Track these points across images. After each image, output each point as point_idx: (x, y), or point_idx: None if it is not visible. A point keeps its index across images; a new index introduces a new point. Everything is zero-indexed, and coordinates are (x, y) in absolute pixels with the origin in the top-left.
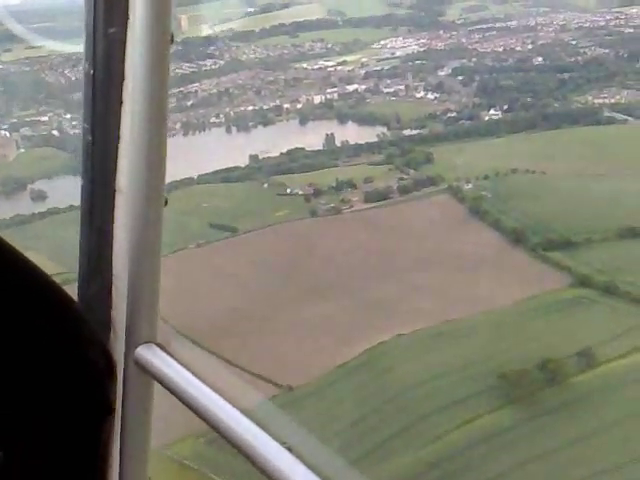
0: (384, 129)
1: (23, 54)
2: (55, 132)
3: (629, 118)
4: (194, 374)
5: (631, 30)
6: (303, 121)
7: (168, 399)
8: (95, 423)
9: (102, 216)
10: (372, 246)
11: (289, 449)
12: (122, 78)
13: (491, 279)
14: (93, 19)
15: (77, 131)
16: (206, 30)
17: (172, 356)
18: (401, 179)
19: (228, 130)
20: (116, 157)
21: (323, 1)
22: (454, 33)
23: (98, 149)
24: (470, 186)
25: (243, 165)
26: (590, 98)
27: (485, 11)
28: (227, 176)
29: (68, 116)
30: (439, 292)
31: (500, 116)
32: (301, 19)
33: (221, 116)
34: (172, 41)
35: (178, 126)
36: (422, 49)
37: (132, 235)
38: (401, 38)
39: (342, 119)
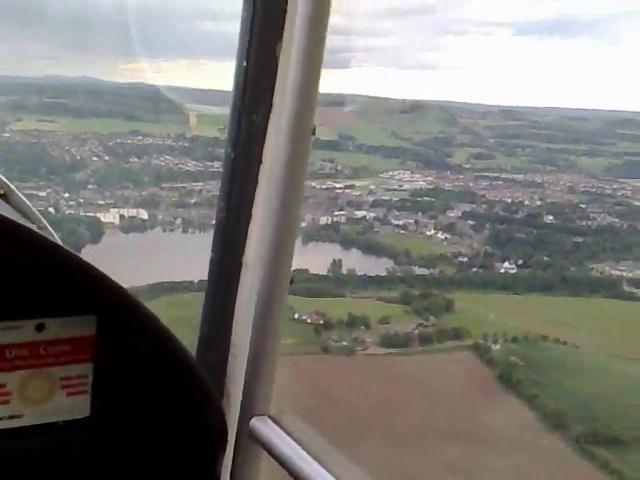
0: (391, 262)
1: (33, 125)
2: (51, 209)
3: None
4: (304, 448)
5: (639, 203)
6: (305, 240)
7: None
8: None
9: (227, 287)
10: (389, 402)
11: None
12: (259, 162)
13: (529, 468)
14: (240, 105)
15: (72, 211)
16: (215, 132)
17: (285, 430)
18: (420, 325)
19: None
20: (246, 235)
21: (332, 125)
22: (461, 176)
23: (230, 226)
24: (498, 347)
25: None
26: (607, 268)
27: (492, 160)
28: None
29: (66, 195)
30: (468, 473)
31: (515, 271)
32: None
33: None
34: (314, 134)
35: (179, 221)
36: (430, 186)
37: (256, 307)
38: (409, 172)
39: (347, 244)
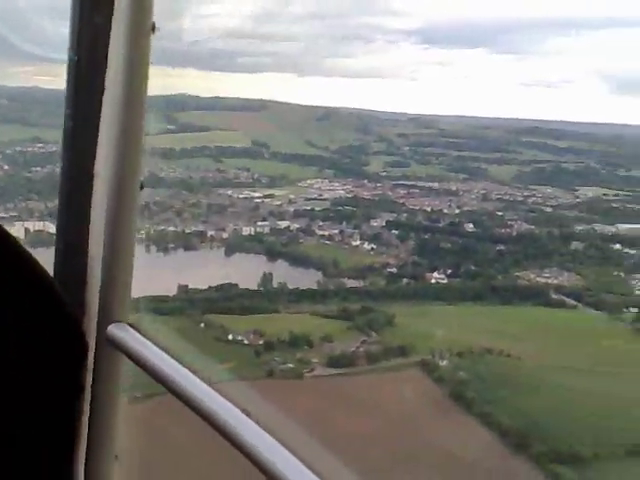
0: (319, 273)
1: None
2: None
3: (578, 304)
4: (164, 350)
5: (550, 209)
6: (229, 251)
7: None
8: (66, 402)
9: (80, 199)
10: (342, 428)
11: (248, 414)
12: (105, 66)
13: None
14: (80, 6)
15: None
16: None
17: (143, 334)
18: (364, 342)
19: (147, 248)
20: (95, 143)
21: (246, 131)
22: (379, 185)
23: (78, 134)
24: (445, 363)
25: (171, 295)
26: (533, 276)
27: (407, 168)
28: (156, 307)
29: None
30: None
31: (446, 281)
32: (225, 145)
33: (141, 232)
34: (153, 31)
35: None
36: (349, 195)
37: (108, 218)
38: (327, 181)
39: (272, 256)
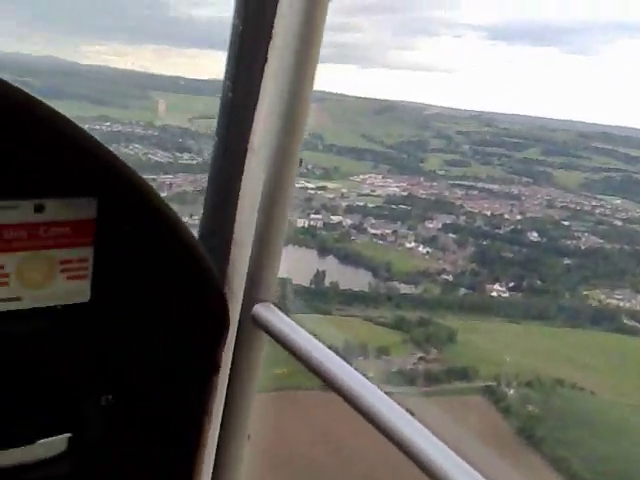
0: (369, 274)
1: None
2: None
3: None
4: (310, 332)
5: (619, 223)
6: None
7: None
8: (203, 379)
9: (232, 172)
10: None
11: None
12: (270, 36)
13: None
14: None
15: None
16: (183, 121)
17: (288, 315)
18: (422, 359)
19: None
20: (252, 117)
21: None
22: (435, 183)
23: (236, 107)
24: (512, 392)
25: None
26: (603, 297)
27: (467, 167)
28: None
29: None
30: None
31: (508, 295)
32: None
33: (195, 217)
34: None
35: None
36: (404, 193)
37: (262, 192)
38: (381, 177)
39: (324, 251)
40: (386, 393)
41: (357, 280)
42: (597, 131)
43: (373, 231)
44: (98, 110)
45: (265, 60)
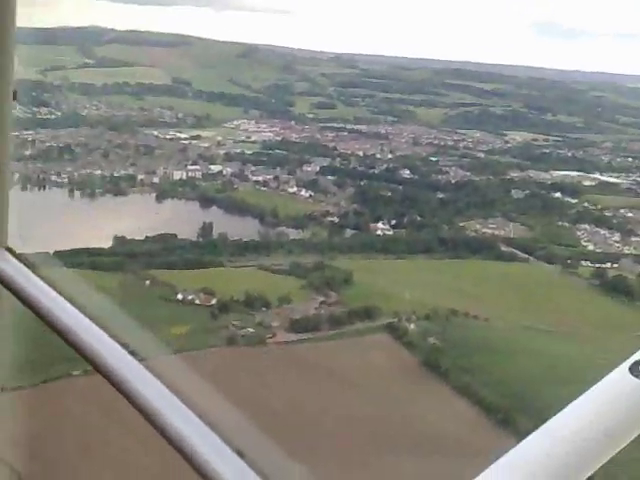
0: (256, 221)
1: None
2: None
3: (530, 257)
4: (41, 278)
5: (482, 155)
6: (160, 197)
7: None
8: None
9: None
10: (312, 408)
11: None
12: None
13: None
14: None
15: None
16: (35, 74)
17: (20, 260)
18: (324, 303)
19: (71, 194)
20: None
21: (166, 68)
22: (306, 127)
23: None
24: (413, 327)
25: (106, 247)
26: (478, 227)
27: (334, 109)
28: (94, 261)
29: None
30: None
31: (392, 233)
32: (146, 81)
33: (63, 175)
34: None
35: (16, 177)
36: (278, 137)
37: None
38: (254, 122)
39: (206, 203)
40: (110, 337)
41: (246, 229)
42: (450, 68)
43: (255, 178)
44: None
45: None
